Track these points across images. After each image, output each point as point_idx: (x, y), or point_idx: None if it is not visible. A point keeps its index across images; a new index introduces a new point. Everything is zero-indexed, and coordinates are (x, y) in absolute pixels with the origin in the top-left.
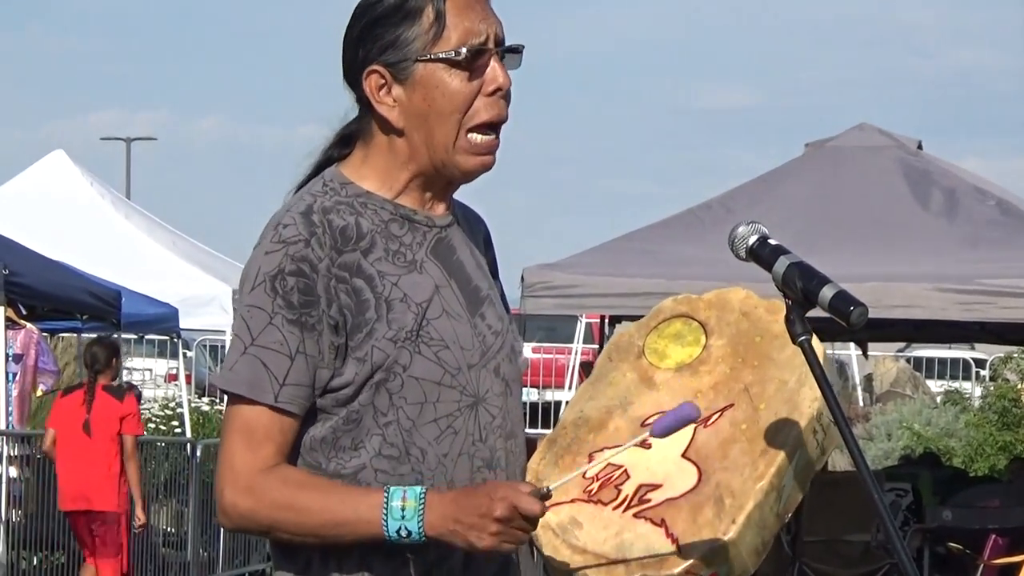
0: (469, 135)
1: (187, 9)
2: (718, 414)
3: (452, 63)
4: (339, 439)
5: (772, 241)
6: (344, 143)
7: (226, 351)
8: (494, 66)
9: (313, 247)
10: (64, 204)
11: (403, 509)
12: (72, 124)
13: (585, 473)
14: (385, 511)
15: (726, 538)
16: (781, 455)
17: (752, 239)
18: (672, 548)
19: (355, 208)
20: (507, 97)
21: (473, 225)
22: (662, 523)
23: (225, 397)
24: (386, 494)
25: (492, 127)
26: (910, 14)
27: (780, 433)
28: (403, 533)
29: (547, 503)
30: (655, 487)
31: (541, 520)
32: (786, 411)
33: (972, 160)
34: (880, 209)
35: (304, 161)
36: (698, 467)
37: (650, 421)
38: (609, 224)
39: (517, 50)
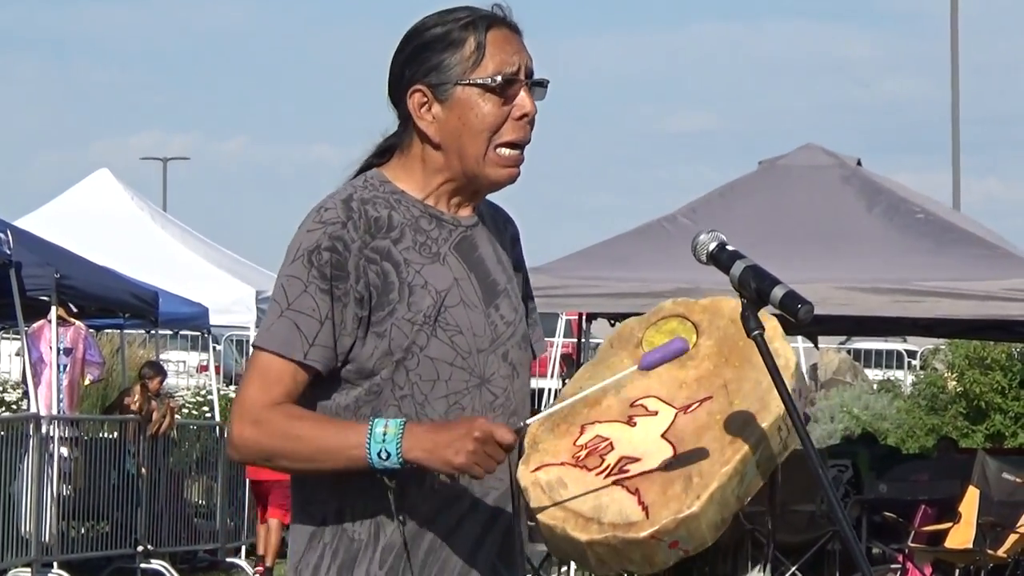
0: (498, 149)
1: (216, 42)
2: (697, 404)
3: (487, 88)
4: (360, 408)
5: (730, 247)
6: (382, 154)
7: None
8: (523, 95)
9: (349, 229)
10: (108, 216)
11: (384, 434)
12: (115, 145)
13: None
14: (369, 436)
15: (689, 511)
16: (747, 446)
17: (712, 245)
18: (642, 515)
19: (390, 203)
20: (532, 122)
21: (501, 225)
22: (636, 492)
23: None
24: (371, 423)
25: (517, 146)
26: (850, 49)
27: (748, 427)
28: (383, 456)
29: (539, 464)
30: (634, 460)
31: (532, 478)
32: (756, 408)
33: (904, 175)
34: (825, 219)
35: (347, 170)
36: (674, 447)
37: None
38: (587, 233)
39: (543, 84)
